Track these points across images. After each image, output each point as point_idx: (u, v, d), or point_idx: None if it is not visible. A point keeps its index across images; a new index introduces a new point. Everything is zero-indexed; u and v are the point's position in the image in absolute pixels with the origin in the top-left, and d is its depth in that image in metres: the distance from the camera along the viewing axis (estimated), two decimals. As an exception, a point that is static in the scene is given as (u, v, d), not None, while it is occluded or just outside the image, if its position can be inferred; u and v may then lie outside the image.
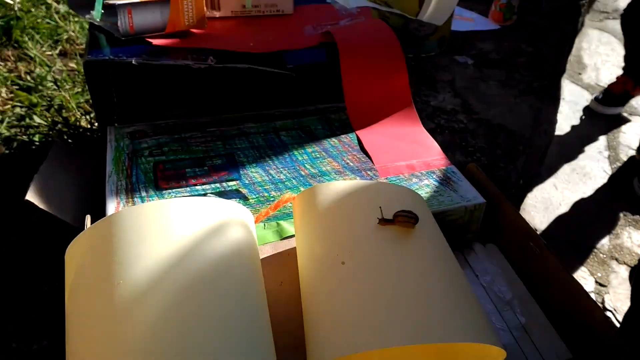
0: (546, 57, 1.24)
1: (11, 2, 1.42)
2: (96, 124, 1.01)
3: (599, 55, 2.10)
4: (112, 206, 0.59)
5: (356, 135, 0.74)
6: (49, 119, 1.03)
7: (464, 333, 0.41)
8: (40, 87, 1.13)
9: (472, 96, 1.03)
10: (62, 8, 1.45)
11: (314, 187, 0.52)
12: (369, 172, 0.67)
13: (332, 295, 0.43)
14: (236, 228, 0.45)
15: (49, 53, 1.28)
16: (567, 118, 1.63)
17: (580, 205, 1.33)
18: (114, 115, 0.73)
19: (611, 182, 1.39)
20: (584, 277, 1.12)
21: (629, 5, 1.41)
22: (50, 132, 1.01)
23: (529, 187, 1.47)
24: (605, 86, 1.67)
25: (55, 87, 1.14)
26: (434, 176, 0.67)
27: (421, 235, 0.48)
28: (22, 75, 1.19)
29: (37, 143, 0.98)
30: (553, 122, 1.10)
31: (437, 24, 1.08)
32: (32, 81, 1.15)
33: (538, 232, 1.27)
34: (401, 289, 0.42)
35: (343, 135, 0.74)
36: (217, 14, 0.83)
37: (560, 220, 1.29)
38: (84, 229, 0.59)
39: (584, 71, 1.96)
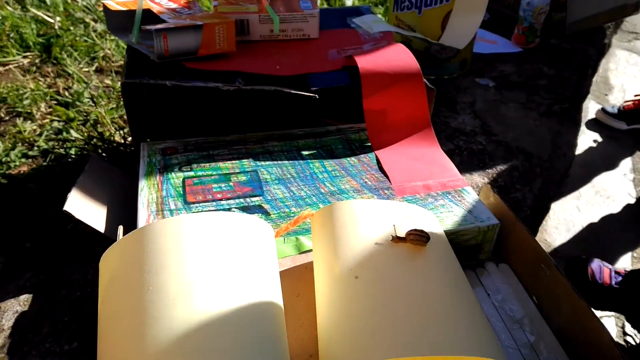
0: (568, 80, 1.25)
1: (52, 21, 1.50)
2: (129, 139, 1.07)
3: (626, 76, 2.09)
4: (143, 218, 0.63)
5: (375, 155, 0.77)
6: (85, 134, 1.09)
7: (469, 347, 0.43)
8: (77, 103, 1.19)
9: (492, 118, 1.05)
10: (100, 27, 1.53)
11: (332, 205, 0.55)
12: (386, 191, 0.70)
13: (344, 308, 0.46)
14: (257, 242, 0.49)
15: (86, 70, 1.35)
16: (591, 139, 1.63)
17: (602, 228, 1.32)
18: (147, 132, 0.78)
19: (636, 205, 1.38)
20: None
21: None
22: (86, 146, 1.06)
23: (551, 209, 1.48)
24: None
25: (91, 103, 1.20)
26: (449, 196, 0.70)
27: (432, 254, 0.50)
28: (61, 91, 1.25)
29: (73, 156, 1.04)
30: (573, 145, 1.11)
31: (458, 48, 1.11)
32: (69, 97, 1.22)
33: (559, 254, 1.28)
34: (411, 303, 0.45)
35: (362, 155, 0.77)
36: (246, 38, 0.88)
37: (582, 242, 1.28)
38: (116, 239, 0.63)
39: (610, 92, 1.95)
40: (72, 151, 1.05)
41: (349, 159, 0.76)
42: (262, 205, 0.66)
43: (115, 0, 0.83)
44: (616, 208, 1.38)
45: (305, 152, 0.77)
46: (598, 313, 0.94)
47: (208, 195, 0.67)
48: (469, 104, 1.11)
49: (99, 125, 1.12)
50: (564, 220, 1.45)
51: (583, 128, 1.87)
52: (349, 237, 0.51)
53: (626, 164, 1.55)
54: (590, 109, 1.84)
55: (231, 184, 0.70)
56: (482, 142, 0.97)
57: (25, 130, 1.10)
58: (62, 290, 0.67)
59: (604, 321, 0.97)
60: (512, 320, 0.61)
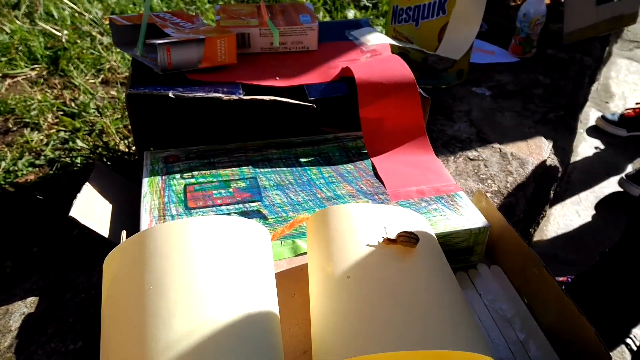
0: (563, 89, 1.27)
1: (59, 35, 1.54)
2: (133, 148, 1.10)
3: (627, 84, 2.10)
4: (146, 223, 0.66)
5: (371, 161, 0.79)
6: (91, 143, 1.12)
7: (455, 342, 0.45)
8: (83, 114, 1.22)
9: (488, 126, 1.08)
10: (106, 40, 1.56)
11: (326, 209, 0.57)
12: (380, 196, 0.72)
13: (337, 306, 0.48)
14: (253, 244, 0.51)
15: (92, 81, 1.38)
16: (591, 146, 1.65)
17: (603, 233, 1.34)
18: (151, 141, 0.81)
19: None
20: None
21: None
22: (91, 155, 1.09)
23: (551, 214, 1.49)
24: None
25: (97, 113, 1.23)
26: (442, 201, 0.72)
27: (422, 255, 0.53)
28: (67, 102, 1.28)
29: (78, 165, 1.07)
30: (568, 151, 1.13)
31: (454, 59, 1.13)
32: (76, 108, 1.25)
33: (560, 258, 1.29)
34: (400, 301, 0.47)
35: (358, 162, 0.80)
36: (247, 50, 0.91)
37: (582, 247, 1.30)
38: (120, 242, 0.65)
39: (611, 100, 1.97)
40: (78, 160, 1.08)
41: (345, 165, 0.79)
42: (261, 210, 0.69)
43: (120, 15, 0.86)
44: (616, 214, 1.39)
45: (303, 160, 0.79)
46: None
47: (208, 201, 0.70)
48: (465, 112, 1.13)
49: (104, 135, 1.15)
50: (564, 225, 1.46)
51: (584, 135, 1.89)
52: (341, 239, 0.54)
53: (627, 170, 1.57)
54: (591, 116, 1.86)
55: (231, 190, 0.72)
56: (477, 149, 0.99)
57: (32, 140, 1.13)
58: (67, 292, 0.69)
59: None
60: (503, 319, 0.63)
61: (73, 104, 1.27)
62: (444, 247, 0.67)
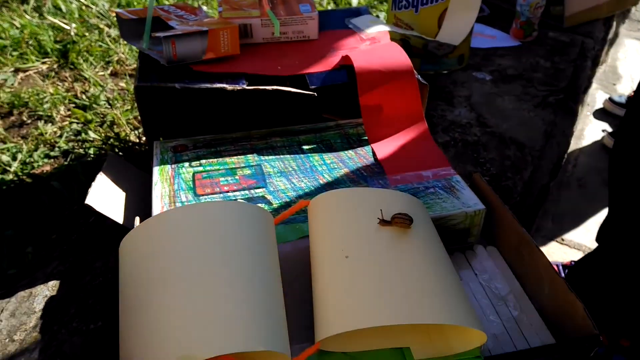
0: (563, 72, 1.29)
1: (68, 28, 1.58)
2: (143, 139, 1.13)
3: (635, 65, 2.09)
4: (157, 209, 0.69)
5: (371, 147, 0.82)
6: (103, 134, 1.15)
7: (449, 316, 0.49)
8: (94, 105, 1.26)
9: (487, 110, 1.10)
10: (113, 32, 1.60)
11: (325, 194, 0.61)
12: (380, 181, 0.75)
13: (336, 283, 0.52)
14: (259, 227, 0.55)
15: (101, 74, 1.42)
16: (599, 128, 1.65)
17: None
18: (160, 131, 0.84)
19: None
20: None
21: None
22: (104, 146, 1.13)
23: (558, 198, 1.51)
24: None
25: (107, 105, 1.27)
26: (440, 185, 0.75)
27: (416, 235, 0.56)
28: (78, 94, 1.32)
29: (92, 156, 1.11)
30: (568, 134, 1.15)
31: (454, 44, 1.15)
32: (87, 100, 1.29)
33: (565, 242, 1.32)
34: (395, 278, 0.51)
35: (359, 148, 0.83)
36: (249, 41, 0.93)
37: (588, 230, 1.32)
38: (133, 228, 0.69)
39: (618, 81, 1.97)
40: (91, 151, 1.11)
41: (346, 152, 0.82)
42: (265, 196, 0.72)
43: (127, 9, 0.89)
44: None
45: (305, 147, 0.82)
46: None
47: (216, 188, 0.73)
48: (465, 97, 1.15)
49: (115, 126, 1.19)
50: (571, 208, 1.48)
51: (591, 118, 1.90)
52: (341, 221, 0.57)
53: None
54: (598, 98, 1.87)
55: (237, 177, 0.75)
56: (476, 133, 1.02)
57: (46, 133, 1.17)
58: (86, 276, 0.74)
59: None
60: (498, 297, 0.66)
61: (84, 97, 1.30)
62: (442, 229, 0.70)
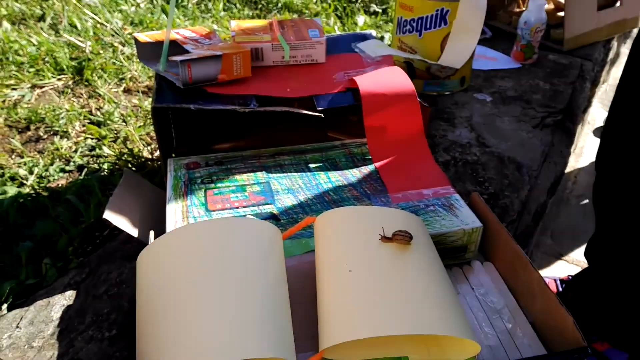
0: (562, 93, 1.33)
1: (83, 46, 1.64)
2: (156, 154, 1.18)
3: (635, 84, 2.12)
4: (172, 224, 0.73)
5: (374, 166, 0.87)
6: (117, 150, 1.20)
7: (445, 327, 0.52)
8: (108, 122, 1.31)
9: (487, 131, 1.14)
10: (127, 50, 1.65)
11: (331, 211, 0.65)
12: (382, 199, 0.79)
13: (340, 296, 0.55)
14: (268, 242, 0.59)
15: (115, 90, 1.47)
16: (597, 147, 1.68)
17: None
18: (174, 149, 0.89)
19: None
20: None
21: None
22: (117, 161, 1.17)
23: (557, 215, 1.54)
24: None
25: (121, 121, 1.31)
26: (439, 203, 0.79)
27: (415, 251, 0.60)
28: (93, 111, 1.37)
29: (106, 171, 1.15)
30: (565, 155, 1.19)
31: (456, 67, 1.20)
32: (101, 116, 1.34)
33: (564, 257, 1.35)
34: (395, 291, 0.54)
35: (363, 167, 0.87)
36: (260, 64, 0.98)
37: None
38: (148, 242, 0.73)
39: (619, 100, 2.00)
40: (105, 166, 1.16)
41: (351, 170, 0.86)
42: (273, 212, 0.76)
43: (144, 33, 0.94)
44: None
45: (312, 165, 0.87)
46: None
47: (226, 204, 0.77)
48: (466, 118, 1.19)
49: (128, 142, 1.24)
50: (570, 225, 1.51)
51: (591, 136, 1.94)
52: (344, 237, 0.61)
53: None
54: (600, 116, 1.91)
55: (246, 194, 0.80)
56: (476, 153, 1.06)
57: (62, 148, 1.22)
58: (101, 286, 0.78)
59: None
60: (493, 311, 0.70)
61: (99, 113, 1.35)
62: (440, 246, 0.74)
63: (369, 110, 0.89)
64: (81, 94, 1.45)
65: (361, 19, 2.06)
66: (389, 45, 1.37)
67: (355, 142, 0.93)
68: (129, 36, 1.75)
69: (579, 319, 0.68)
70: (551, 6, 1.70)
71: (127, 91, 1.48)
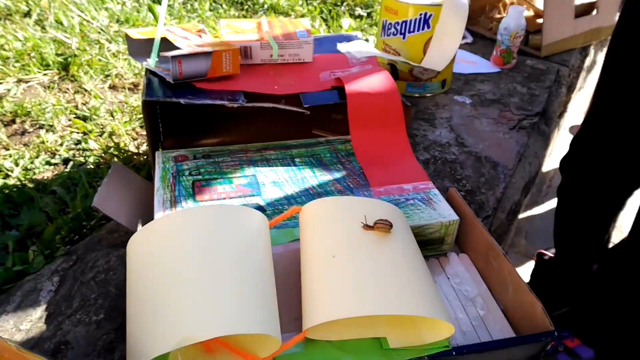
0: (538, 97, 1.38)
1: (69, 42, 1.64)
2: (142, 149, 1.19)
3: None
4: (160, 213, 0.75)
5: (358, 162, 0.90)
6: (103, 144, 1.22)
7: (421, 309, 0.56)
8: (94, 117, 1.32)
9: (466, 132, 1.18)
10: (113, 47, 1.66)
11: (315, 201, 0.68)
12: (365, 193, 0.83)
13: (323, 279, 0.58)
14: (255, 227, 0.61)
15: (100, 86, 1.48)
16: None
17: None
18: (163, 142, 0.91)
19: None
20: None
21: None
22: (103, 155, 1.19)
23: (532, 216, 1.59)
24: None
25: (106, 116, 1.33)
26: (419, 197, 0.82)
27: (395, 239, 0.63)
28: (79, 105, 1.38)
29: (92, 164, 1.16)
30: (540, 156, 1.24)
31: (437, 70, 1.24)
32: (87, 111, 1.35)
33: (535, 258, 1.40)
34: (375, 275, 0.58)
35: (347, 162, 0.90)
36: (249, 62, 1.01)
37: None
38: (136, 230, 0.75)
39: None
40: (91, 159, 1.17)
41: (335, 165, 0.89)
42: (260, 203, 0.79)
43: (136, 30, 0.96)
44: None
45: (297, 160, 0.89)
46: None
47: (214, 195, 0.80)
48: (446, 119, 1.23)
49: (114, 137, 1.25)
50: (544, 226, 1.56)
51: (566, 140, 2.00)
52: (328, 225, 0.64)
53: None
54: (576, 122, 1.97)
55: (233, 186, 0.82)
56: (455, 152, 1.10)
57: (47, 141, 1.23)
58: (89, 273, 0.79)
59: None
60: (467, 299, 0.73)
61: (85, 108, 1.37)
62: (419, 237, 0.77)
63: (354, 108, 0.93)
64: (67, 89, 1.46)
65: (346, 21, 2.10)
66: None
67: (339, 139, 0.96)
68: (115, 33, 1.76)
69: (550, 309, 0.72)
70: (531, 13, 1.76)
71: (112, 87, 1.50)
